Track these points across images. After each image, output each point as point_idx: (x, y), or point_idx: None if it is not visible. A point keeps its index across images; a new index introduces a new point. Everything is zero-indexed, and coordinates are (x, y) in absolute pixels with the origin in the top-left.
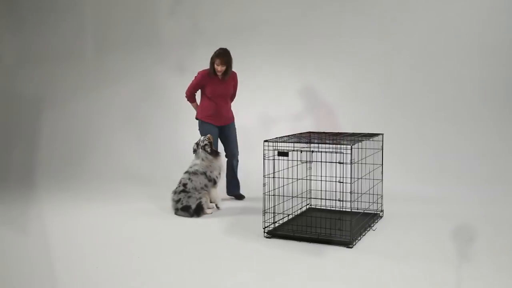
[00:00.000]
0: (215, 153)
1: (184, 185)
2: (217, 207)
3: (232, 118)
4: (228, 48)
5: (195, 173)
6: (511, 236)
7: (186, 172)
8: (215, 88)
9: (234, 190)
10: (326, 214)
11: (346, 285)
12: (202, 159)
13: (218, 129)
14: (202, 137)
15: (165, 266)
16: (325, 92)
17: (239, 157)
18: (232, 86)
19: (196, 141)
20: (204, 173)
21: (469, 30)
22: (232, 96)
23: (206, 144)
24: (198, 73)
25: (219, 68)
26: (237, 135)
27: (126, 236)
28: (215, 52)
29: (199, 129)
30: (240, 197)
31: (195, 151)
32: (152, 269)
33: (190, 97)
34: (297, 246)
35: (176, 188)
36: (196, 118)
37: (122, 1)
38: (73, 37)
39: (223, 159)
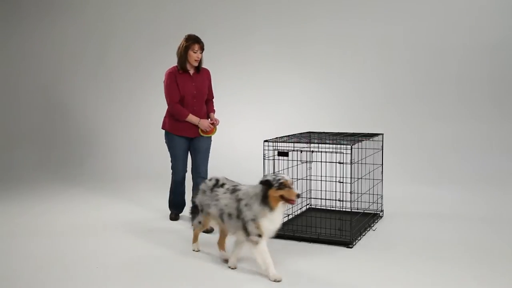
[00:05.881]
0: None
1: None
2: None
3: None
4: (222, 45)
5: (235, 190)
6: (510, 235)
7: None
8: (187, 87)
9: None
10: (326, 214)
11: (346, 285)
12: (259, 197)
13: (189, 141)
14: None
15: (165, 266)
16: (325, 92)
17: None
18: (207, 86)
19: (269, 175)
20: (239, 201)
21: (469, 30)
22: (208, 99)
23: (282, 183)
24: (165, 74)
25: (197, 56)
26: (238, 135)
27: (126, 236)
28: (188, 38)
29: (166, 142)
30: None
31: (261, 183)
32: (152, 270)
33: (177, 104)
34: (297, 246)
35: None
36: (163, 128)
37: (123, 1)
38: (74, 37)
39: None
